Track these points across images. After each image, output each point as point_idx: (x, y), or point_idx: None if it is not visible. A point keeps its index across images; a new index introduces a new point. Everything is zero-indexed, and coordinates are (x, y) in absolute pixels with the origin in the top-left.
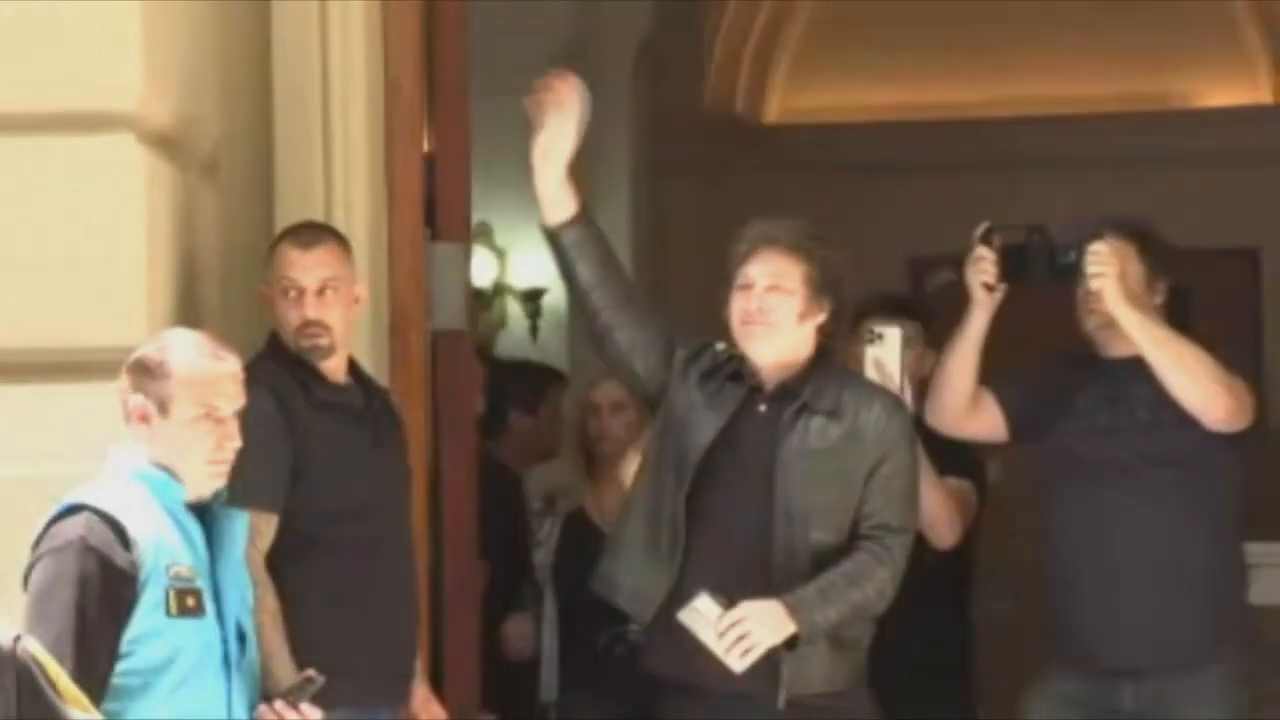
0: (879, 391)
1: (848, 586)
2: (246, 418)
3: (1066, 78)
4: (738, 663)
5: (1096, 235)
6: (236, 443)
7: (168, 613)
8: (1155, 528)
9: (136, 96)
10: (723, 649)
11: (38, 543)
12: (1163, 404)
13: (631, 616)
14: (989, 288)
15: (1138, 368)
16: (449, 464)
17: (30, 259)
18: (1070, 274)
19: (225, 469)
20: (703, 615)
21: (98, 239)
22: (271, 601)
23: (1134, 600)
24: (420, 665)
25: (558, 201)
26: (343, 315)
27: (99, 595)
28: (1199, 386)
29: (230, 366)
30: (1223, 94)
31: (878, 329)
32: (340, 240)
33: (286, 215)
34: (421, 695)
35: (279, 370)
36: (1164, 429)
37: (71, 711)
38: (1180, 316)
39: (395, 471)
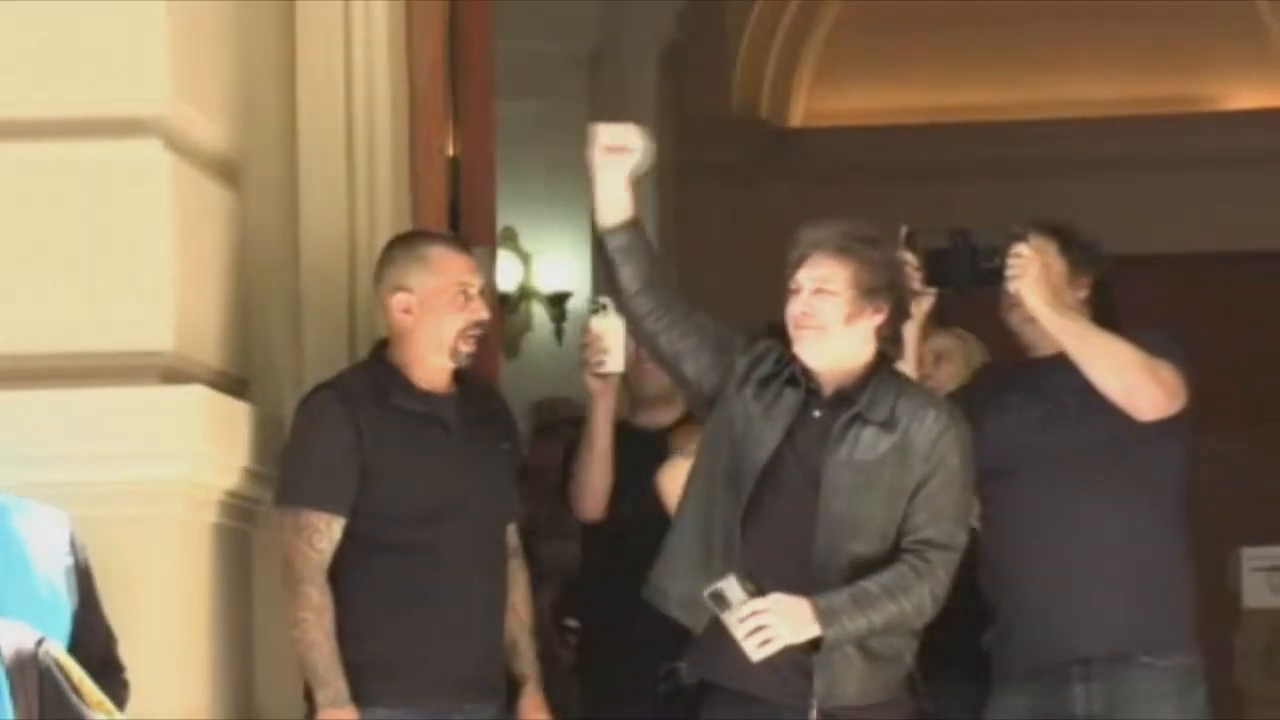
0: (934, 402)
1: (883, 596)
2: (313, 422)
3: (1095, 81)
4: (755, 652)
5: (1018, 238)
6: None
7: None
8: (1090, 518)
9: (163, 102)
10: (741, 634)
11: None
12: (1090, 394)
13: (684, 624)
14: (915, 294)
15: (1066, 361)
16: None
17: (58, 264)
18: (994, 278)
19: None
20: (726, 598)
21: (124, 244)
22: (319, 599)
23: (1072, 591)
24: (534, 675)
25: (616, 204)
26: None
27: None
28: (1121, 378)
29: None
30: (1251, 96)
31: (602, 299)
32: None
33: (311, 220)
34: (529, 705)
35: (358, 376)
36: (1094, 417)
37: (94, 715)
38: (1105, 310)
39: (482, 481)
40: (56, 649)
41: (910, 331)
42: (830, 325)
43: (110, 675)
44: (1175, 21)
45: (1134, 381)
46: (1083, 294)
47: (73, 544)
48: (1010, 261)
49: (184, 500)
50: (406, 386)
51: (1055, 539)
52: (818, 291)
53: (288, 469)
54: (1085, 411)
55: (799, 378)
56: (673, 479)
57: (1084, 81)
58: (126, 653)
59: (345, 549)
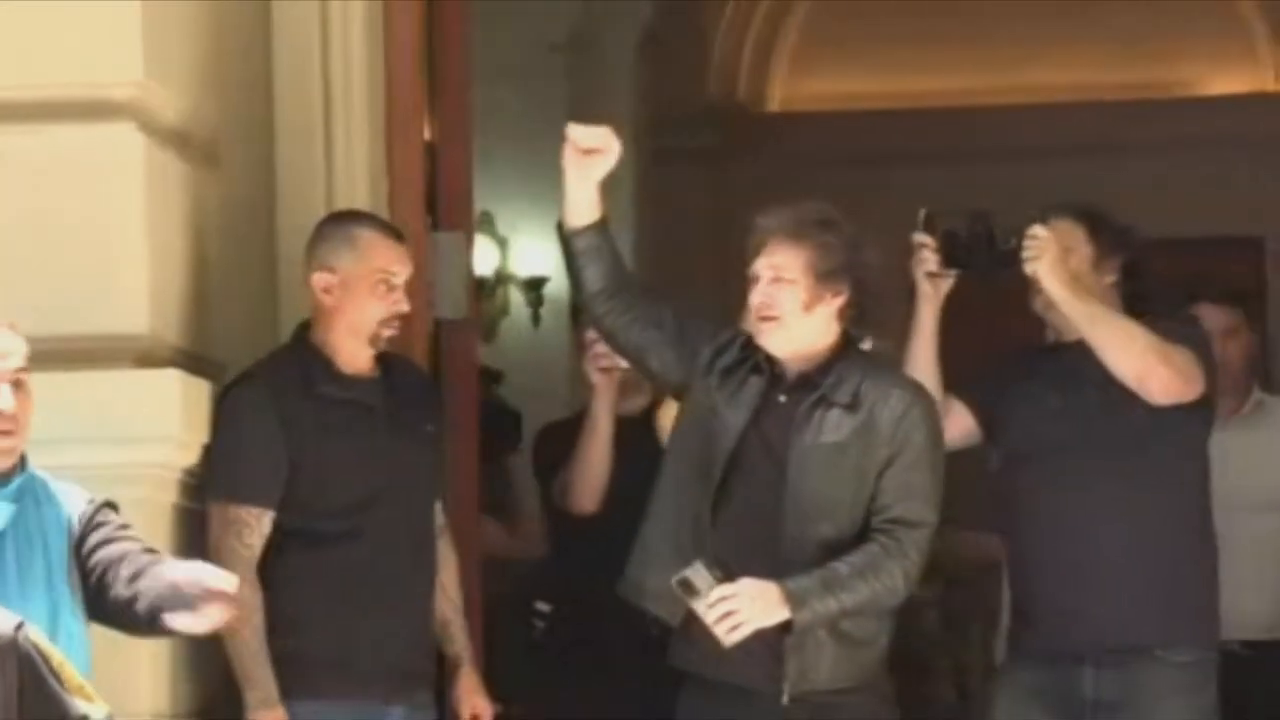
0: (899, 381)
1: (854, 578)
2: (239, 415)
3: (1071, 66)
4: (725, 637)
5: (1036, 220)
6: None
7: None
8: (1110, 510)
9: (138, 86)
10: (711, 620)
11: None
12: (1112, 383)
13: (660, 619)
14: (933, 276)
15: (1088, 349)
16: (452, 453)
17: (32, 248)
18: (1012, 260)
19: None
20: (693, 585)
21: (99, 228)
22: (248, 595)
23: (1089, 584)
24: (470, 655)
25: (586, 206)
26: None
27: None
28: (1134, 362)
29: None
30: (1227, 82)
31: None
32: None
33: (288, 204)
34: (466, 686)
35: (281, 366)
36: (1115, 408)
37: (75, 701)
38: (1137, 294)
39: (414, 466)
40: (36, 634)
41: (928, 313)
42: (788, 314)
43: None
44: (1151, 7)
45: (1146, 365)
46: (1111, 278)
47: (85, 518)
48: (1027, 244)
49: (151, 482)
50: (331, 373)
51: (1075, 530)
52: (775, 280)
53: (214, 463)
54: (1106, 403)
55: (763, 364)
56: (670, 418)
57: (1060, 67)
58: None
59: (275, 540)
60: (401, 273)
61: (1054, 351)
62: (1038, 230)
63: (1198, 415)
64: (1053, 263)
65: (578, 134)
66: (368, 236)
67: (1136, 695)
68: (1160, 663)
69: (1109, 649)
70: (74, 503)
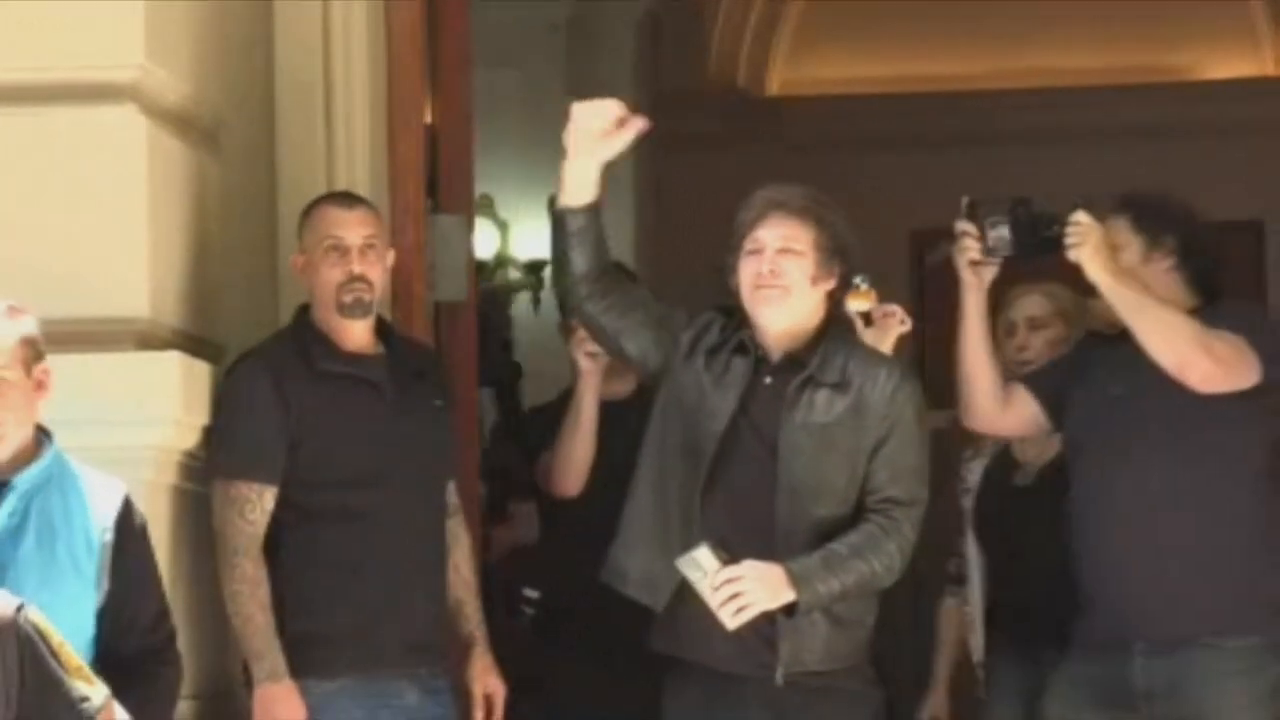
0: (884, 360)
1: (852, 558)
2: (240, 393)
3: (1071, 51)
4: (731, 619)
5: (1078, 206)
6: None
7: None
8: (1166, 498)
9: (140, 69)
10: (717, 603)
11: None
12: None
13: (644, 604)
14: (976, 264)
15: None
16: (452, 435)
17: (34, 230)
18: (1054, 247)
19: None
20: (700, 566)
21: (101, 210)
22: (253, 571)
23: (1142, 573)
24: (483, 636)
25: (586, 186)
26: (380, 276)
27: None
28: (1172, 351)
29: None
30: (1227, 66)
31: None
32: (374, 207)
33: (289, 187)
34: (480, 666)
35: (282, 344)
36: (1172, 396)
37: (74, 682)
38: (1199, 278)
39: (418, 441)
40: (37, 616)
41: (974, 301)
42: (795, 285)
43: (144, 666)
44: None
45: (1185, 355)
46: (1168, 262)
47: (120, 522)
48: (1069, 230)
49: (151, 464)
50: (332, 350)
51: (1131, 518)
52: (783, 250)
53: (216, 441)
54: (1164, 390)
55: (748, 345)
56: None
57: (1061, 51)
58: None
59: (283, 519)
60: (349, 236)
61: (1118, 339)
62: (1080, 216)
63: (1256, 402)
64: (1095, 248)
65: (585, 119)
66: (318, 209)
67: (1186, 681)
68: (1211, 649)
69: (1159, 639)
70: (102, 503)
